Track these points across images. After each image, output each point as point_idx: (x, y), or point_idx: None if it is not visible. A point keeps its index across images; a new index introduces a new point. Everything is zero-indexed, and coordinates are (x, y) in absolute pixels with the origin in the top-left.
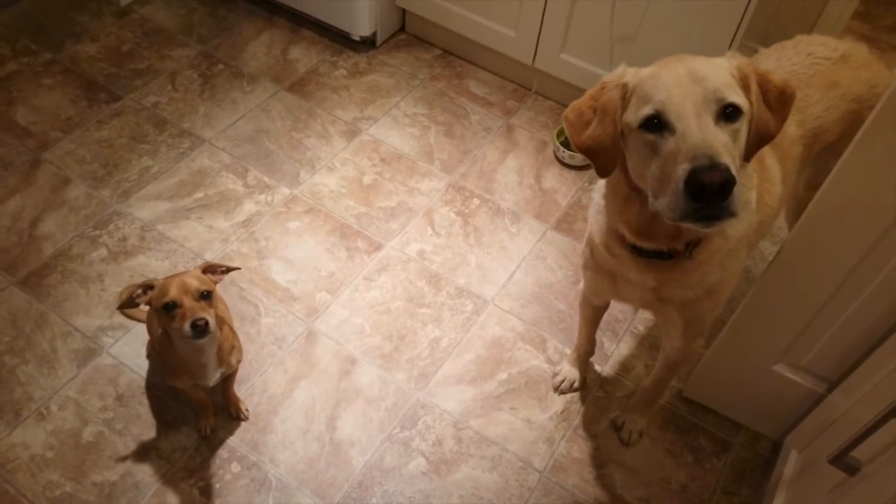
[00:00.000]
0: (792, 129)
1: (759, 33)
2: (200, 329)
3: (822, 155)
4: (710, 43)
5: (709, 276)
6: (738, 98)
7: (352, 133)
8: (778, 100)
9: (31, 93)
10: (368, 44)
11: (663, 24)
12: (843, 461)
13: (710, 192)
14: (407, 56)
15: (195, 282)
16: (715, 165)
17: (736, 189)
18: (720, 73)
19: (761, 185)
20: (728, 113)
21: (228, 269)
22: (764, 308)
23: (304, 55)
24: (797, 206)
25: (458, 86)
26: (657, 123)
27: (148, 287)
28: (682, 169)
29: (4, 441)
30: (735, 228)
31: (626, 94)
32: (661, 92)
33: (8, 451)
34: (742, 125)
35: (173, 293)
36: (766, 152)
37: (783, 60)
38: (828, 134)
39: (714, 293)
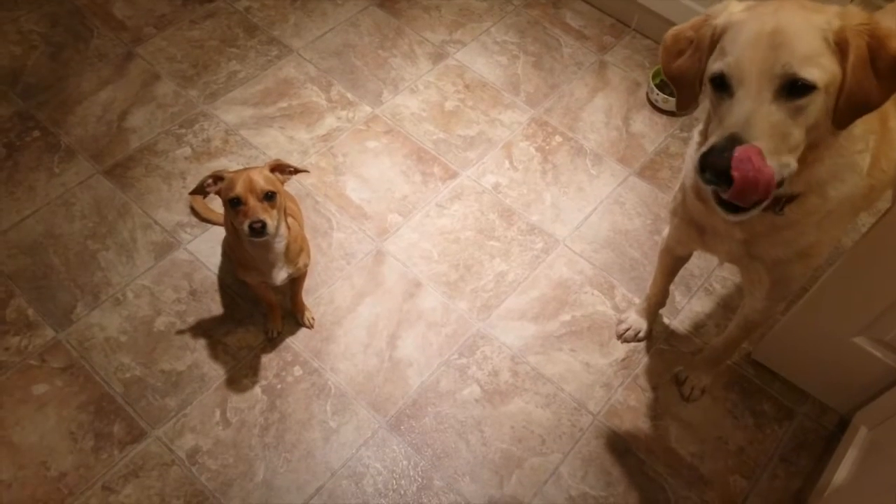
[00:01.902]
0: None
1: None
2: (257, 231)
3: None
4: None
5: (803, 236)
6: (813, 73)
7: (438, 56)
8: (890, 68)
9: None
10: None
11: None
12: None
13: (716, 175)
14: None
15: (261, 181)
16: (732, 149)
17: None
18: (808, 37)
19: (879, 147)
20: (798, 87)
21: (297, 170)
22: (853, 277)
23: None
24: None
25: (554, 15)
26: (723, 83)
27: (218, 178)
28: (711, 139)
29: (83, 321)
30: (837, 189)
31: (714, 36)
32: (734, 51)
33: (85, 330)
34: (814, 100)
35: (239, 189)
36: (892, 112)
37: None
38: None
39: (807, 256)
